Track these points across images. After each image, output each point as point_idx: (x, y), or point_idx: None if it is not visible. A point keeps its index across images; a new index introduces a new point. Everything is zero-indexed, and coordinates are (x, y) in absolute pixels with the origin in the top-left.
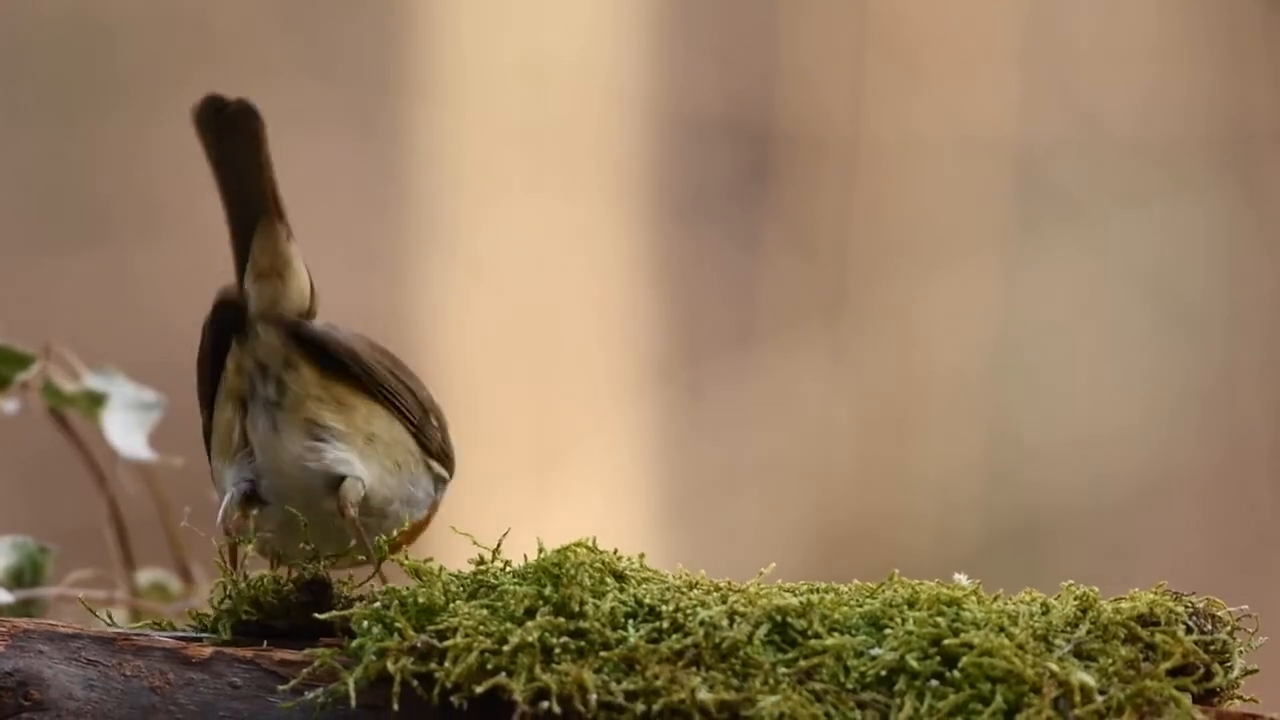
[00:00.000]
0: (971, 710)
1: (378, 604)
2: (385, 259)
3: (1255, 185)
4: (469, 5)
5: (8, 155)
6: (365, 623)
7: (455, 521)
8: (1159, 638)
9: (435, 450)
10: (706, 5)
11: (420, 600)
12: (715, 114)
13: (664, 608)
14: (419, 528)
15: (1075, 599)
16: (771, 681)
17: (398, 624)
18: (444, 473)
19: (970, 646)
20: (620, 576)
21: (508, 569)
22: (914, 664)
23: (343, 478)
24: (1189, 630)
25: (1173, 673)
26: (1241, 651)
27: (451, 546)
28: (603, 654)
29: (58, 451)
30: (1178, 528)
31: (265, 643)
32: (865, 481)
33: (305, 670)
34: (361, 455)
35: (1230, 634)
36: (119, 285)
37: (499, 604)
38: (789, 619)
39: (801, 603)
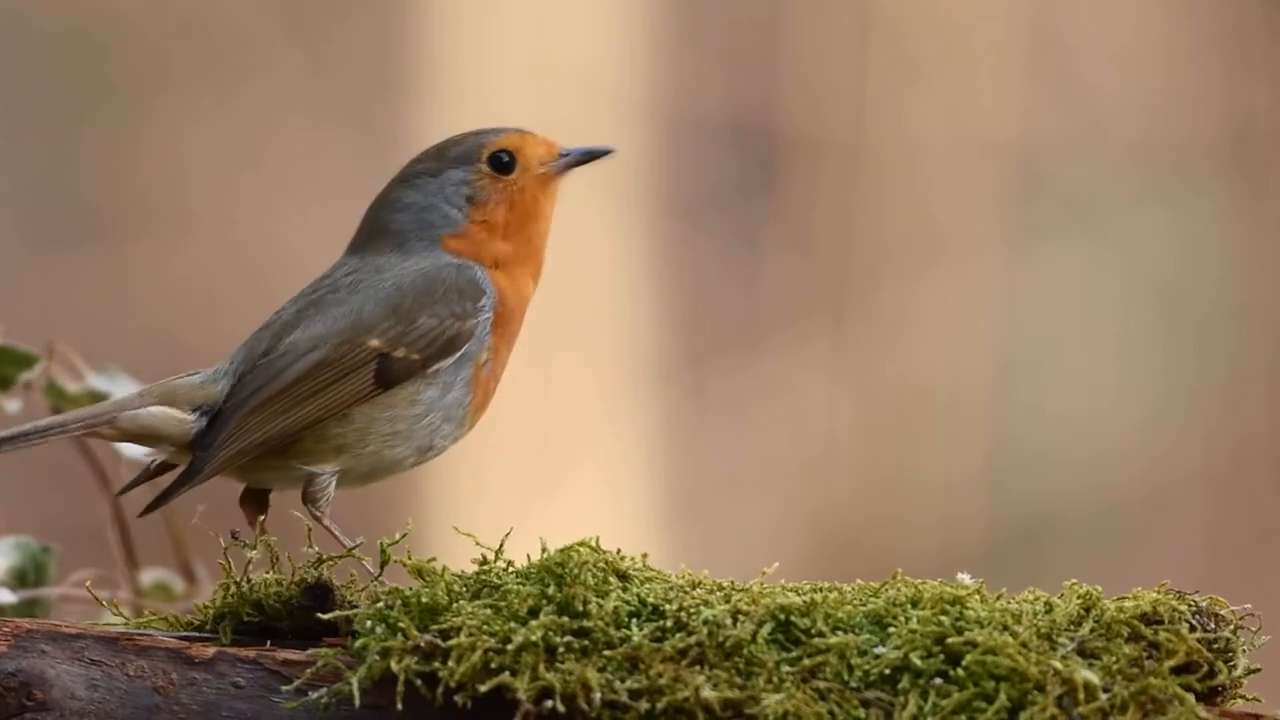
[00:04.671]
0: (975, 708)
1: (381, 604)
2: None
3: (1259, 187)
4: (471, 5)
5: (10, 156)
6: (368, 623)
7: (458, 522)
8: (1162, 636)
9: (404, 369)
10: (708, 6)
11: (424, 600)
12: (717, 115)
13: (667, 607)
14: (482, 396)
15: (1078, 598)
16: (775, 680)
17: (401, 624)
18: (441, 363)
19: (974, 645)
20: (623, 576)
21: (511, 569)
22: (918, 662)
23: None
24: (1192, 629)
25: (1176, 671)
26: (1245, 650)
27: (454, 546)
28: (606, 653)
29: (60, 451)
30: (1181, 528)
31: (269, 642)
32: (868, 480)
33: (309, 670)
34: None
35: (1233, 632)
36: (122, 285)
37: (502, 604)
38: (792, 618)
39: (805, 602)
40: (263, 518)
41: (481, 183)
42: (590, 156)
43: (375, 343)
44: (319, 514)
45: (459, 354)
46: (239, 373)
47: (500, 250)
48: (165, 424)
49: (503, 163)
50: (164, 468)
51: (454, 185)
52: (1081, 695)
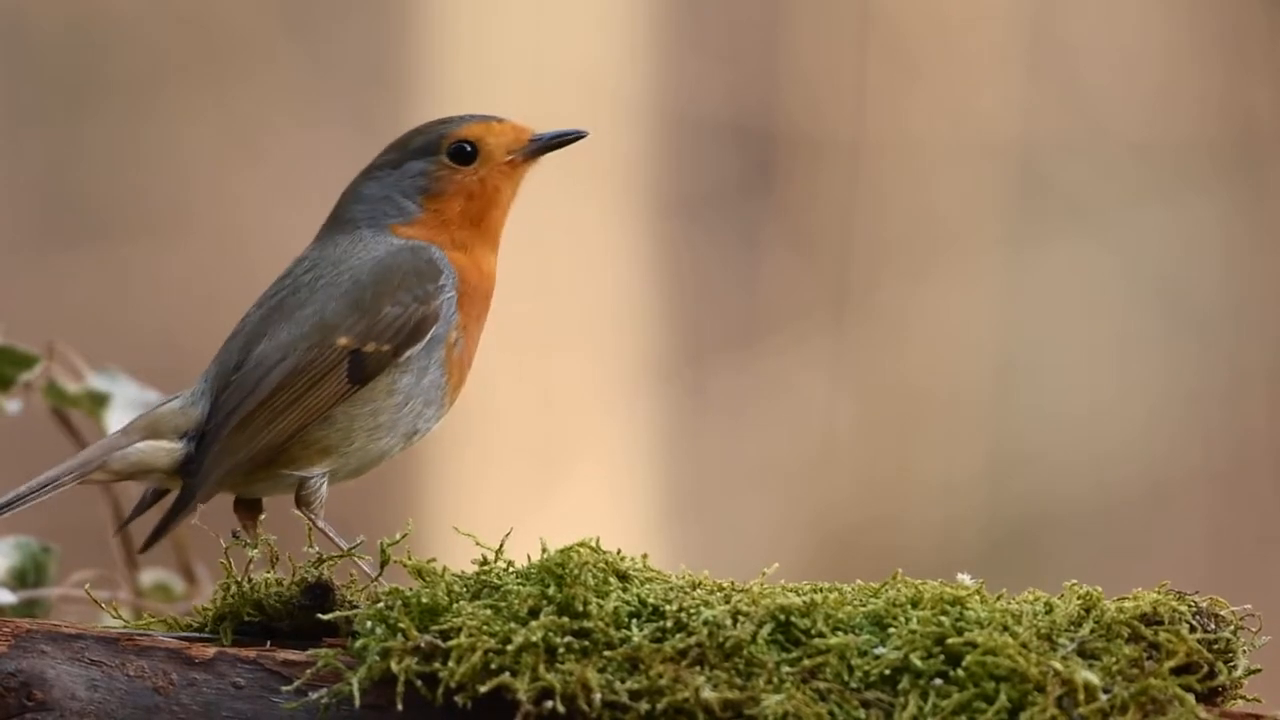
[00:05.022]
0: (975, 709)
1: (381, 604)
2: None
3: (1259, 187)
4: (472, 8)
5: (11, 155)
6: (369, 623)
7: (458, 522)
8: (1162, 636)
9: (377, 362)
10: (708, 6)
11: (424, 600)
12: (718, 114)
13: (667, 607)
14: (458, 375)
15: (1078, 598)
16: (775, 680)
17: (401, 624)
18: (411, 350)
19: (974, 645)
20: (623, 576)
21: (511, 569)
22: (918, 663)
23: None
24: (1192, 629)
25: (1176, 671)
26: (1245, 650)
27: (454, 547)
28: (606, 653)
29: (61, 451)
30: (1181, 528)
31: (268, 643)
32: (868, 479)
33: (309, 671)
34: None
35: (1234, 633)
36: (123, 286)
37: (502, 604)
38: (792, 618)
39: (805, 602)
40: (262, 517)
41: (440, 174)
42: (561, 141)
43: (344, 340)
44: (313, 516)
45: (428, 337)
46: (215, 391)
47: (455, 235)
48: (155, 457)
49: (464, 153)
50: (160, 493)
51: (412, 177)
52: (1081, 696)
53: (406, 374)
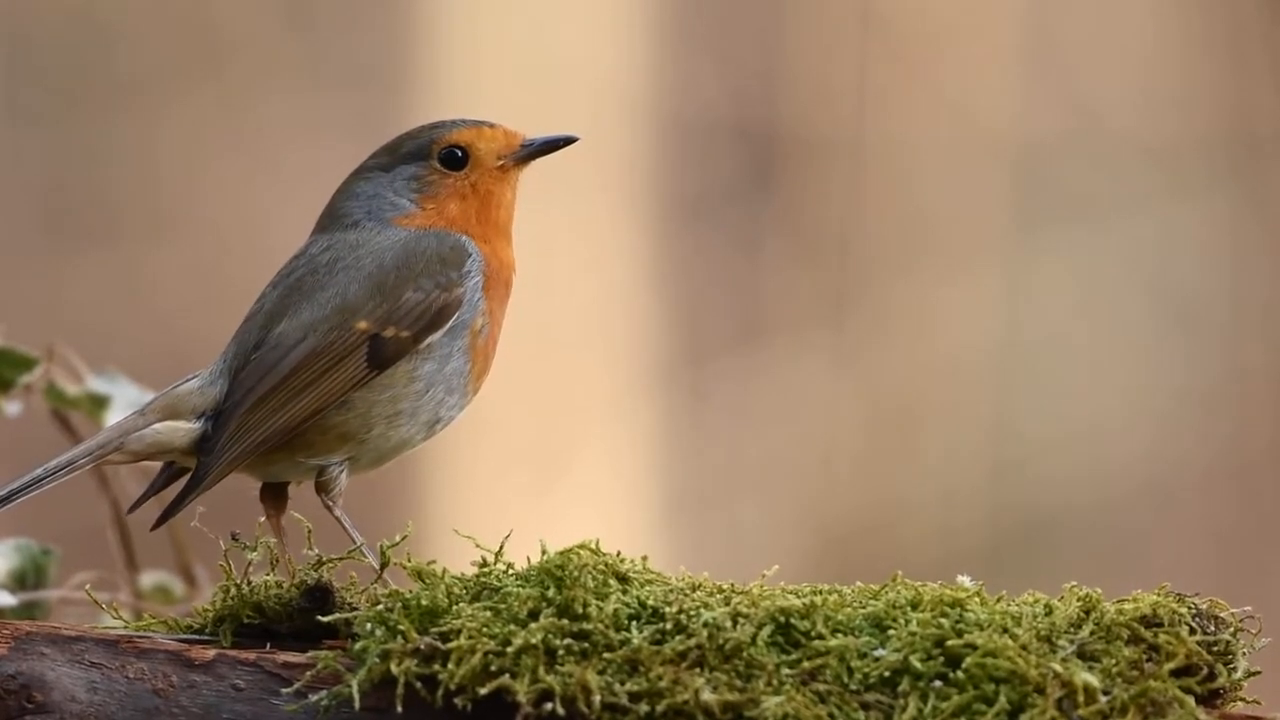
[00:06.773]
0: (975, 711)
1: (380, 606)
2: None
3: (1257, 184)
4: (472, 9)
5: (14, 156)
6: (368, 625)
7: (458, 524)
8: (1162, 638)
9: (396, 348)
10: (709, 7)
11: (423, 602)
12: (718, 116)
13: (667, 609)
14: (482, 362)
15: (1078, 600)
16: (775, 682)
17: (401, 626)
18: (432, 336)
19: (974, 647)
20: (623, 578)
21: (510, 571)
22: (917, 665)
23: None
24: (1192, 631)
25: (1176, 673)
26: (1245, 653)
27: (454, 549)
28: (606, 655)
29: (60, 451)
30: (1181, 528)
31: (268, 645)
32: (869, 482)
33: (309, 673)
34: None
35: (1233, 635)
36: (123, 287)
37: (502, 606)
38: (792, 620)
39: (805, 604)
40: (282, 516)
41: (431, 178)
42: (552, 146)
43: (363, 324)
44: (331, 504)
45: (450, 324)
46: (234, 370)
47: (462, 229)
48: (173, 437)
49: (455, 159)
50: (171, 477)
51: (404, 180)
52: (1081, 698)
53: (428, 361)
